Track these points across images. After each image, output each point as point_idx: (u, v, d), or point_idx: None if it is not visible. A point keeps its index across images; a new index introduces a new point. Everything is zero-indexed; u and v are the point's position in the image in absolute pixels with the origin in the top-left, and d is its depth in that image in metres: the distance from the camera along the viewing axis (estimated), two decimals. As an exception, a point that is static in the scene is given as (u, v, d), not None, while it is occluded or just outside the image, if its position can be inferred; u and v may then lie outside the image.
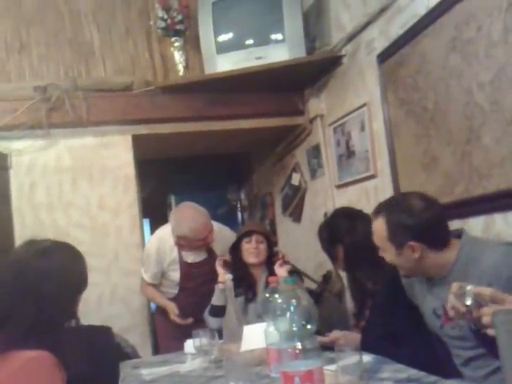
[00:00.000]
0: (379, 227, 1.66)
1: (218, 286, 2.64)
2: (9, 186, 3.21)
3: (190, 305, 2.89)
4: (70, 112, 3.21)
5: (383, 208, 1.70)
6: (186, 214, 2.81)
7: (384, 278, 1.99)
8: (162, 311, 3.03)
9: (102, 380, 2.09)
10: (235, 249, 2.76)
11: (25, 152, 3.24)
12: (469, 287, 1.19)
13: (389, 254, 1.68)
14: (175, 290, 2.98)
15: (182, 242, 2.82)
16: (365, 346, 1.80)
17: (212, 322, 2.62)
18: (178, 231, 2.81)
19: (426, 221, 1.61)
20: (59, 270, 1.43)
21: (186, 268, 2.92)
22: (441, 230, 1.65)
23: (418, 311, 1.85)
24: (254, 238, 2.74)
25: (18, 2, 3.35)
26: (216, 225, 2.98)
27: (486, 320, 1.10)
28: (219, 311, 2.54)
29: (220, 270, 2.70)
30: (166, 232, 2.93)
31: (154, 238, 3.02)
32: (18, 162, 3.23)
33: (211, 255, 2.92)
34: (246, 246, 2.73)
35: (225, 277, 2.62)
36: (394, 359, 1.65)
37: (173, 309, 2.90)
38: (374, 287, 2.05)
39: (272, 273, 2.56)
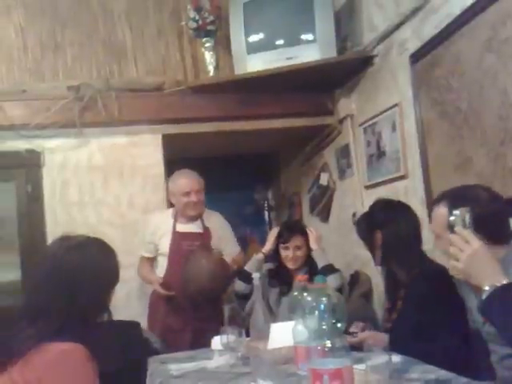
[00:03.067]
0: (440, 214, 1.62)
1: (256, 255, 2.77)
2: (41, 184, 3.28)
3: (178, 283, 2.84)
4: (102, 111, 3.26)
5: (447, 195, 1.67)
6: (180, 172, 3.01)
7: (420, 270, 1.99)
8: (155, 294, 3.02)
9: (129, 374, 2.13)
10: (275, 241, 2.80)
11: (57, 150, 3.30)
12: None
13: (444, 242, 1.63)
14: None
15: (182, 201, 2.89)
16: (394, 340, 1.79)
17: (238, 284, 2.78)
18: (174, 187, 2.96)
19: (490, 212, 1.56)
20: (92, 264, 1.46)
21: (176, 237, 2.94)
22: (502, 225, 1.61)
23: (457, 306, 1.84)
24: (291, 245, 2.75)
25: (54, 3, 3.42)
26: (210, 210, 3.11)
27: None
28: (247, 277, 2.63)
29: (270, 239, 2.79)
30: (166, 210, 3.13)
31: (152, 213, 3.19)
32: (50, 160, 3.29)
33: (205, 232, 2.97)
34: (283, 253, 2.76)
35: (267, 248, 2.80)
36: (423, 354, 1.64)
37: (156, 279, 2.90)
38: (408, 278, 2.04)
39: (311, 271, 2.55)
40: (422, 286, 1.96)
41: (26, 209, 3.24)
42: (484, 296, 1.29)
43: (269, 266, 2.81)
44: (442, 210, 1.62)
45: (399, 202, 2.29)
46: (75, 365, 1.32)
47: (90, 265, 1.45)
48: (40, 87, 3.30)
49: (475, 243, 1.34)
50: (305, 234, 2.83)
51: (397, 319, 2.06)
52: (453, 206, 1.55)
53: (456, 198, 1.63)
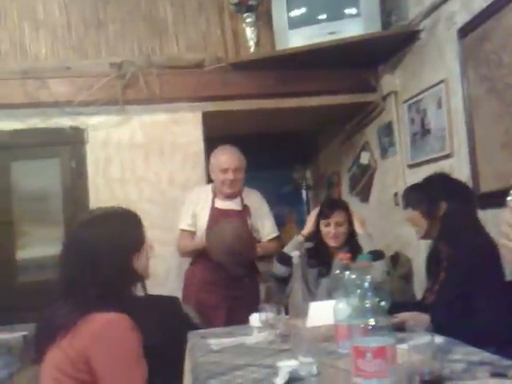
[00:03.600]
0: None
1: (296, 237, 2.73)
2: (85, 161, 3.33)
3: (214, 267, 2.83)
4: (144, 89, 3.28)
5: None
6: (222, 147, 2.96)
7: (467, 241, 1.96)
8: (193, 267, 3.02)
9: (169, 348, 2.16)
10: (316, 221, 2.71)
11: (100, 127, 3.35)
12: None
13: None
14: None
15: (220, 177, 2.87)
16: (437, 310, 1.77)
17: (276, 267, 2.71)
18: (214, 162, 2.93)
19: None
20: (107, 234, 1.47)
21: (215, 214, 2.90)
22: None
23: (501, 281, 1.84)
24: (332, 221, 2.65)
25: (96, -20, 3.44)
26: (250, 189, 3.06)
27: None
28: (286, 260, 2.59)
29: (311, 220, 2.73)
30: (205, 185, 3.12)
31: (195, 187, 3.17)
32: (94, 137, 3.34)
33: (244, 210, 2.93)
34: (324, 230, 2.66)
35: (307, 230, 2.73)
36: (465, 327, 1.64)
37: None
38: (453, 250, 2.02)
39: (352, 251, 2.48)
40: (467, 257, 1.94)
41: (71, 185, 3.31)
42: None
43: (308, 245, 2.73)
44: None
45: (455, 178, 2.26)
46: (120, 334, 1.34)
47: (104, 235, 1.46)
48: (83, 64, 3.34)
49: None
50: (347, 211, 2.74)
51: (439, 290, 2.05)
52: None
53: None
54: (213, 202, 2.94)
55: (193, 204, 2.97)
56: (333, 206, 2.73)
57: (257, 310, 2.03)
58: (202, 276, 2.89)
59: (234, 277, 2.80)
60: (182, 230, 2.99)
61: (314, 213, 2.77)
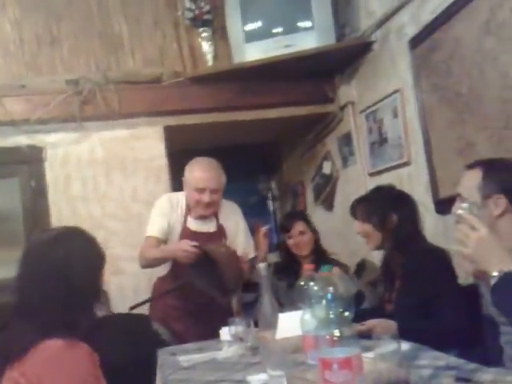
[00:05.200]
0: (472, 177, 1.62)
1: (260, 265, 2.28)
2: (45, 179, 3.27)
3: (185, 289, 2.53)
4: (102, 105, 3.26)
5: (483, 162, 1.68)
6: (201, 161, 2.63)
7: (417, 248, 2.06)
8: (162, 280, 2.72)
9: (139, 367, 2.14)
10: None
11: (59, 145, 3.29)
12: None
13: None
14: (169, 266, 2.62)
15: (194, 196, 2.53)
16: (399, 318, 1.82)
17: (246, 296, 2.69)
18: (188, 177, 2.57)
19: None
20: (79, 251, 1.46)
21: (186, 236, 2.54)
22: None
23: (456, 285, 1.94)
24: (294, 232, 2.73)
25: (49, -4, 3.40)
26: (226, 200, 2.74)
27: None
28: (254, 288, 2.52)
29: (262, 243, 2.54)
30: (178, 193, 2.72)
31: (165, 195, 2.81)
32: (52, 155, 3.28)
33: (219, 231, 2.62)
34: (289, 242, 2.74)
35: (262, 253, 2.55)
36: (427, 333, 1.70)
37: (182, 241, 2.47)
38: (405, 258, 2.09)
39: (319, 258, 2.52)
40: (421, 262, 2.01)
41: (31, 204, 3.25)
42: (493, 282, 1.30)
43: (274, 259, 2.79)
44: (475, 173, 1.61)
45: (400, 189, 2.34)
46: (74, 360, 1.32)
47: (76, 253, 1.45)
48: (38, 81, 3.29)
49: (482, 229, 1.35)
50: (305, 220, 2.84)
51: (398, 298, 2.10)
52: (488, 172, 1.58)
53: (492, 164, 1.65)
54: (185, 220, 2.61)
55: (167, 214, 2.60)
56: (291, 217, 2.84)
57: (226, 324, 2.04)
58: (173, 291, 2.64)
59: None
60: (149, 237, 2.59)
61: (260, 235, 2.65)
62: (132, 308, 2.60)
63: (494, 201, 1.56)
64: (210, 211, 2.58)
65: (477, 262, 1.36)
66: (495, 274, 1.30)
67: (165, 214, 2.61)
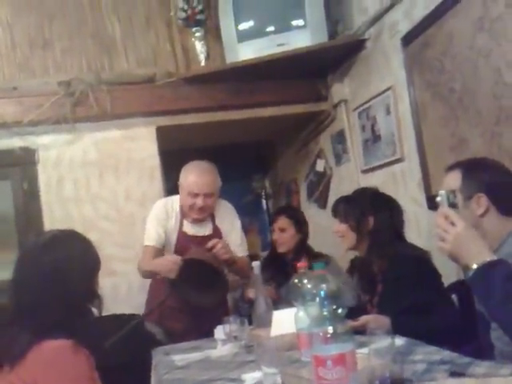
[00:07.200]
0: (452, 178, 1.63)
1: (253, 264, 2.19)
2: (37, 181, 3.26)
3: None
4: (95, 106, 3.24)
5: (462, 163, 1.68)
6: (196, 165, 2.60)
7: (398, 253, 2.05)
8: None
9: (134, 367, 2.14)
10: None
11: (51, 147, 3.28)
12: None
13: None
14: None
15: (188, 201, 2.52)
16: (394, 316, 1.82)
17: (242, 308, 2.64)
18: (183, 180, 2.56)
19: (504, 179, 1.59)
20: (73, 253, 1.46)
21: (183, 240, 2.56)
22: None
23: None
24: (275, 226, 2.71)
25: (40, -3, 3.38)
26: (222, 200, 2.72)
27: None
28: (249, 300, 2.52)
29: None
30: (173, 197, 2.71)
31: (160, 200, 2.77)
32: (45, 157, 3.27)
33: (215, 233, 2.61)
34: (272, 237, 2.72)
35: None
36: (424, 331, 1.70)
37: (173, 256, 2.46)
38: (384, 263, 2.08)
39: (302, 256, 2.51)
40: (403, 269, 2.01)
41: (23, 206, 3.23)
42: (471, 274, 1.32)
43: (257, 263, 2.70)
44: (455, 174, 1.62)
45: (383, 193, 2.32)
46: (69, 361, 1.31)
47: (72, 256, 1.45)
48: (31, 83, 3.27)
49: (460, 223, 1.37)
50: (292, 217, 2.80)
51: (382, 302, 2.08)
52: (467, 172, 1.59)
53: (471, 164, 1.65)
54: (181, 224, 2.61)
55: (162, 220, 2.60)
56: (277, 212, 2.81)
57: (221, 322, 2.04)
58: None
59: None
60: (146, 246, 2.59)
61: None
62: (146, 315, 2.59)
63: (475, 200, 1.56)
64: (204, 215, 2.58)
65: (457, 256, 1.38)
66: (475, 266, 1.32)
67: (160, 221, 2.60)
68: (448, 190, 1.45)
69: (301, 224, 2.82)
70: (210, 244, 2.42)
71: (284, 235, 2.75)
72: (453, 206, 1.42)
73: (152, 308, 2.61)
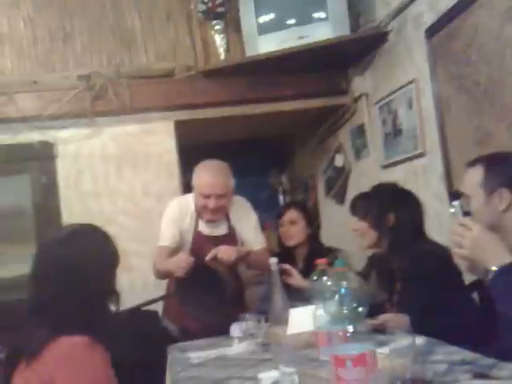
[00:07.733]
0: (474, 174, 1.61)
1: (270, 261, 2.16)
2: (56, 175, 3.27)
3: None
4: (114, 100, 3.24)
5: (484, 158, 1.66)
6: (209, 165, 2.54)
7: (419, 250, 2.00)
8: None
9: (149, 363, 2.12)
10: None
11: (70, 141, 3.28)
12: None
13: (476, 201, 1.61)
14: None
15: (200, 202, 2.47)
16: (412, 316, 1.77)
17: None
18: (196, 180, 2.50)
19: None
20: (92, 248, 1.45)
21: (199, 240, 2.52)
22: None
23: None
24: (285, 218, 2.66)
25: (61, -8, 3.39)
26: (237, 197, 2.66)
27: None
28: None
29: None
30: (187, 196, 2.66)
31: (174, 200, 2.72)
32: (64, 151, 3.28)
33: (230, 233, 2.57)
34: (280, 231, 2.68)
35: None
36: (444, 330, 1.66)
37: (183, 254, 2.39)
38: (405, 261, 2.02)
39: (313, 251, 2.46)
40: (424, 267, 1.95)
41: (42, 200, 3.24)
42: (490, 277, 1.33)
43: (275, 260, 2.63)
44: (477, 169, 1.60)
45: (403, 188, 2.26)
46: (85, 357, 1.30)
47: (91, 250, 1.44)
48: (51, 78, 3.28)
49: (476, 227, 1.38)
50: (301, 211, 2.74)
51: (401, 301, 2.03)
52: (489, 167, 1.57)
53: (494, 159, 1.63)
54: (196, 224, 2.56)
55: (177, 221, 2.55)
56: (287, 205, 2.76)
57: (237, 320, 2.01)
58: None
59: None
60: (160, 247, 2.53)
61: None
62: (141, 306, 2.56)
63: (498, 195, 1.54)
64: (217, 216, 2.52)
65: (475, 260, 1.38)
66: (495, 268, 1.33)
67: (175, 221, 2.55)
68: (460, 200, 1.47)
69: (311, 217, 2.77)
70: (208, 257, 2.33)
71: (294, 228, 2.69)
72: (467, 214, 1.46)
73: (155, 298, 2.56)
